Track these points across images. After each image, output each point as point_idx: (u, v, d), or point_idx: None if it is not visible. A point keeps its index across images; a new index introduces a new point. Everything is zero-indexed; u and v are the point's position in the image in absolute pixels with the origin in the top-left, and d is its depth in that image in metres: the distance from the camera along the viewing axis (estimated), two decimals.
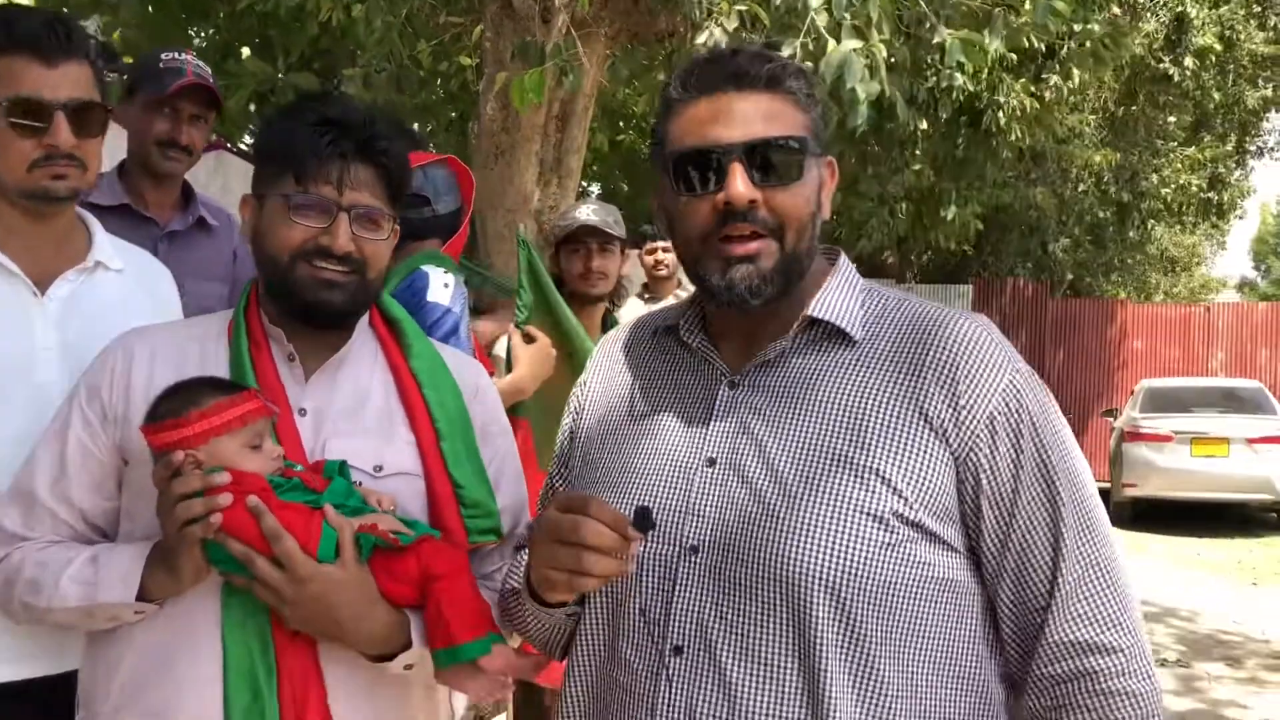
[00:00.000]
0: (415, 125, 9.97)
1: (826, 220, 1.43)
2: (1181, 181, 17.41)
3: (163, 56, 2.84)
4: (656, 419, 1.46)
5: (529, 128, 5.75)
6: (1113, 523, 1.40)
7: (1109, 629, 1.32)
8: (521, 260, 2.84)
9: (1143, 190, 16.75)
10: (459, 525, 1.64)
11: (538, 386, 2.83)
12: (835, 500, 1.29)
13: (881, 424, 1.32)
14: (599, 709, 1.42)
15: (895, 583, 1.28)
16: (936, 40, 5.03)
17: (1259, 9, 16.20)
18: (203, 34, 9.93)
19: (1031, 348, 16.32)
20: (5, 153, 1.83)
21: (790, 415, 1.35)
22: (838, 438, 1.32)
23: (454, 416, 1.70)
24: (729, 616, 1.31)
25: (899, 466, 1.30)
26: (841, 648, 1.27)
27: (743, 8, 4.78)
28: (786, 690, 1.28)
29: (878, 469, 1.30)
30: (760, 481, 1.33)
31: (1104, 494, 1.35)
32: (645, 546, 1.32)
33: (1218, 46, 14.94)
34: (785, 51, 4.61)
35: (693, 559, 1.34)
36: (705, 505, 1.35)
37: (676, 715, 1.31)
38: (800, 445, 1.33)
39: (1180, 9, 14.32)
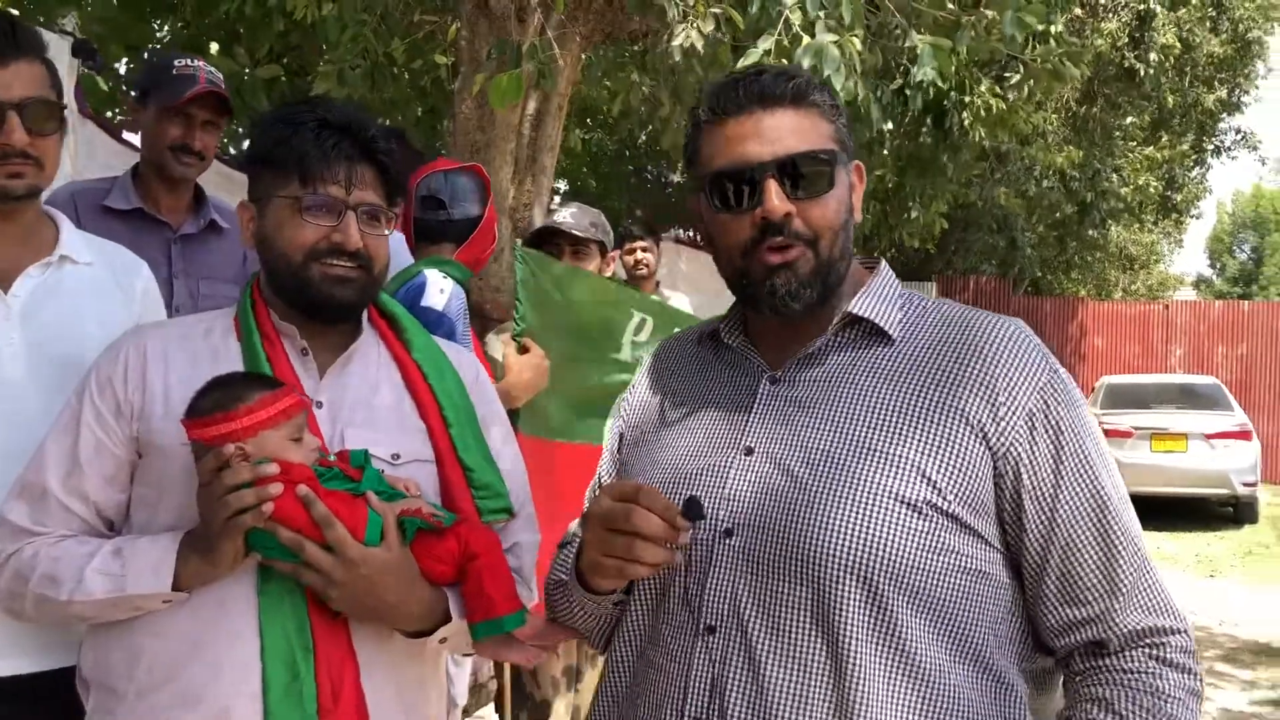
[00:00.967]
0: (385, 120, 9.94)
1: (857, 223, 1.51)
2: (1140, 181, 17.66)
3: (176, 63, 2.90)
4: (699, 413, 1.52)
5: (504, 126, 5.76)
6: None
7: (1168, 614, 1.38)
8: (520, 273, 2.86)
9: (1103, 189, 16.97)
10: (472, 507, 1.74)
11: (530, 397, 2.83)
12: (868, 485, 1.33)
13: (917, 419, 1.36)
14: (632, 691, 1.48)
15: (925, 568, 1.32)
16: (908, 44, 5.09)
17: (1213, 13, 16.49)
18: (168, 29, 9.84)
19: None
20: None
21: (828, 408, 1.41)
22: (873, 431, 1.37)
23: (459, 404, 1.80)
24: (760, 597, 1.35)
25: (934, 459, 1.34)
26: (868, 629, 1.31)
27: (717, 10, 4.83)
28: (813, 669, 1.32)
29: (912, 460, 1.34)
30: (796, 469, 1.38)
31: None
32: (695, 535, 1.38)
33: (1178, 46, 15.18)
34: (760, 48, 4.67)
35: (727, 541, 1.39)
36: (741, 490, 1.40)
37: (704, 692, 1.37)
38: (836, 436, 1.38)
39: (1144, 6, 14.53)
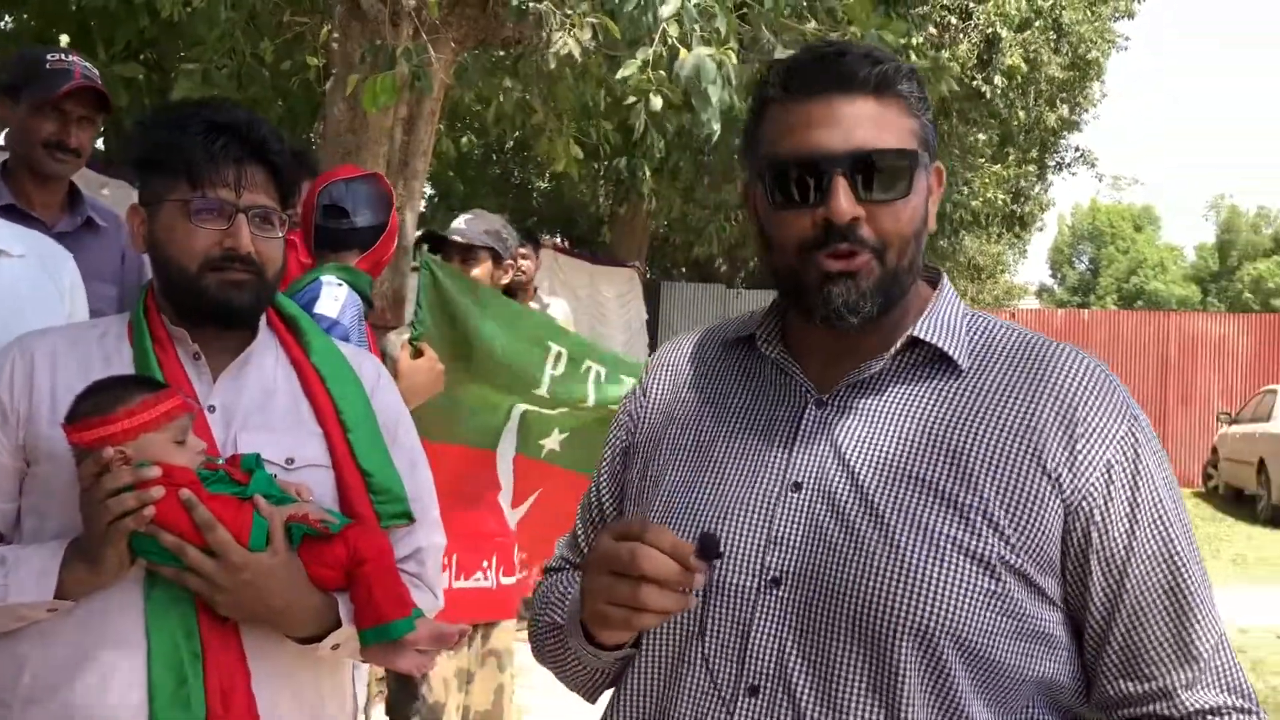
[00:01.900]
0: None
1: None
2: (988, 195, 18.44)
3: (48, 58, 2.81)
4: (733, 437, 1.33)
5: (376, 130, 5.72)
6: None
7: (1241, 695, 1.23)
8: (423, 279, 2.86)
9: (954, 201, 17.67)
10: (370, 512, 1.72)
11: (421, 401, 2.83)
12: (936, 538, 1.18)
13: (990, 462, 1.21)
14: None
15: (991, 630, 1.18)
16: (777, 57, 5.24)
17: (1054, 36, 17.37)
18: (12, 19, 9.40)
19: None
20: None
21: (887, 442, 1.24)
22: (940, 473, 1.21)
23: (358, 408, 1.78)
24: (812, 656, 1.20)
25: (1006, 509, 1.19)
26: (927, 696, 1.18)
27: (594, 20, 4.89)
28: None
29: (984, 509, 1.19)
30: (852, 511, 1.21)
31: None
32: (712, 577, 1.22)
33: (1024, 67, 15.94)
34: (639, 58, 4.75)
35: (774, 592, 1.22)
36: (790, 534, 1.23)
37: None
38: (898, 475, 1.22)
39: (991, 30, 15.21)
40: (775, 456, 1.28)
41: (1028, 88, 16.97)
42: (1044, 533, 1.20)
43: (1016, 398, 1.24)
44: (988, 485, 1.20)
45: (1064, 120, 19.26)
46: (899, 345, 1.28)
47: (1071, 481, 1.20)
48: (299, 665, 1.67)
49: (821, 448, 1.26)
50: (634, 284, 12.66)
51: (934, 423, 1.24)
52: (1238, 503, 15.06)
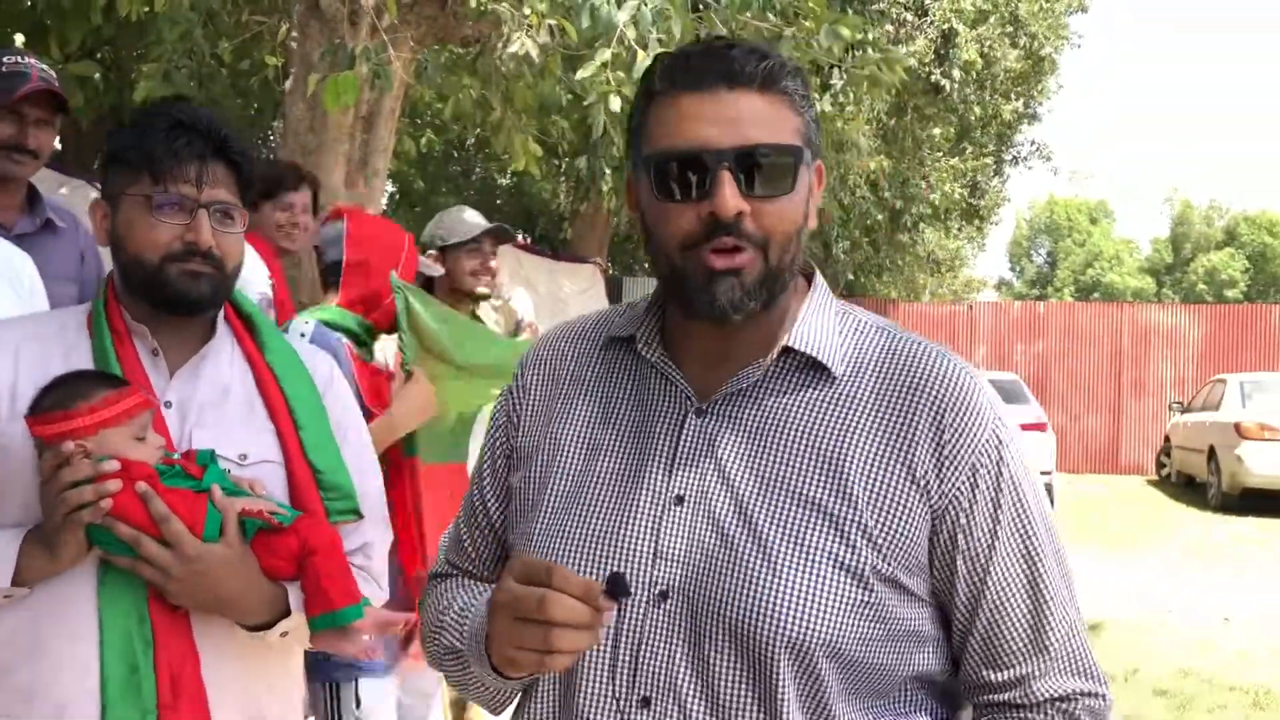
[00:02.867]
0: None
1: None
2: (946, 189, 18.64)
3: (4, 60, 2.83)
4: (616, 446, 1.33)
5: (336, 129, 5.75)
6: None
7: (1089, 679, 1.30)
8: (399, 305, 2.86)
9: (912, 195, 17.86)
10: (319, 507, 1.76)
11: (416, 425, 2.85)
12: (811, 553, 1.21)
13: (863, 472, 1.23)
14: None
15: (866, 640, 1.22)
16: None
17: (1011, 29, 17.59)
18: None
19: None
20: None
21: (765, 455, 1.26)
22: (816, 484, 1.24)
23: (310, 406, 1.82)
24: (699, 667, 1.22)
25: (878, 519, 1.22)
26: (804, 703, 1.22)
27: (552, 21, 4.96)
28: None
29: (858, 520, 1.22)
30: (732, 526, 1.23)
31: None
32: (597, 548, 1.27)
33: (980, 62, 16.15)
34: (598, 59, 4.81)
35: (663, 605, 1.24)
36: (675, 548, 1.25)
37: None
38: (775, 489, 1.24)
39: (948, 25, 15.40)
40: (658, 469, 1.29)
41: (984, 82, 17.19)
42: (913, 539, 1.23)
43: (889, 406, 1.26)
44: (862, 495, 1.23)
45: (1019, 113, 19.52)
46: (775, 354, 1.29)
47: (939, 487, 1.23)
48: (249, 653, 1.71)
49: (702, 461, 1.27)
50: (596, 280, 12.74)
51: (809, 434, 1.26)
52: (1190, 490, 15.34)
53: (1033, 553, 1.28)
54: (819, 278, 1.37)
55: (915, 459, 1.24)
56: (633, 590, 1.21)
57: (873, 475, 1.24)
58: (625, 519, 1.28)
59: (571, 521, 1.31)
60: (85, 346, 1.73)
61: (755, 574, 1.21)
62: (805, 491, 1.23)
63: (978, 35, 16.12)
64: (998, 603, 1.27)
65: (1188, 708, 5.83)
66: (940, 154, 18.94)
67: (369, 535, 1.88)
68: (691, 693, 1.22)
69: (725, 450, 1.27)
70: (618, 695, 1.25)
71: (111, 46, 8.84)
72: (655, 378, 1.34)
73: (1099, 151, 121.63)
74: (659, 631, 1.24)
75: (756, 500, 1.24)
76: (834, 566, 1.21)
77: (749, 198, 1.21)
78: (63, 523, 1.56)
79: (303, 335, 2.67)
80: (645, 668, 1.24)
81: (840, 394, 1.28)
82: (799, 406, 1.28)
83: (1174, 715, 5.73)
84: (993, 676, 1.29)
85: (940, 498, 1.24)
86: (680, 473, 1.28)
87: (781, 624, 1.20)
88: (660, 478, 1.28)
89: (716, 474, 1.26)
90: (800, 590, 1.20)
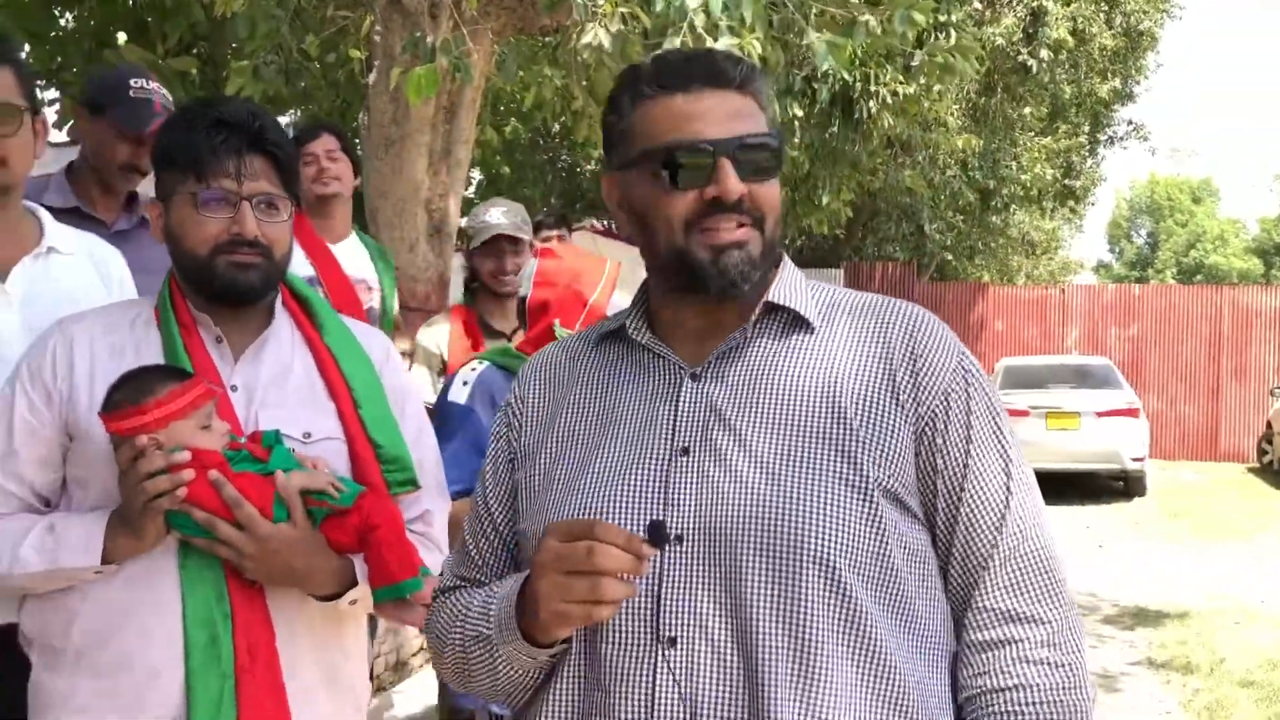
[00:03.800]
0: (298, 112, 9.94)
1: None
2: (1037, 170, 18.26)
3: (132, 83, 3.00)
4: (617, 419, 1.43)
5: (418, 120, 5.89)
6: None
7: (1037, 602, 1.35)
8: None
9: (1003, 176, 17.53)
10: (380, 480, 1.87)
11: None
12: (818, 474, 1.30)
13: (855, 397, 1.35)
14: (583, 716, 1.37)
15: (881, 554, 1.30)
16: (805, 41, 5.34)
17: (1106, 7, 17.14)
18: (73, 17, 9.70)
19: None
20: None
21: (761, 397, 1.36)
22: (815, 414, 1.34)
23: (368, 384, 1.93)
24: (724, 600, 1.29)
25: (875, 437, 1.33)
26: (834, 621, 1.28)
27: (625, 10, 5.02)
28: (783, 668, 1.27)
29: (859, 440, 1.32)
30: (739, 465, 1.32)
31: None
32: (604, 503, 1.35)
33: (1070, 40, 15.78)
34: (666, 46, 4.87)
35: (678, 549, 1.31)
36: (684, 495, 1.33)
37: (676, 705, 1.29)
38: (776, 425, 1.34)
39: (1037, 3, 15.07)
40: (660, 428, 1.38)
41: (1076, 60, 16.79)
42: (903, 456, 1.34)
43: (869, 341, 1.40)
44: (856, 417, 1.34)
45: (1116, 92, 19.02)
46: (757, 313, 1.41)
47: (915, 409, 1.36)
48: (320, 623, 1.85)
49: (702, 413, 1.37)
50: None
51: (798, 374, 1.38)
52: None
53: (1006, 471, 1.38)
54: (786, 258, 1.49)
55: (897, 382, 1.37)
56: (668, 541, 1.29)
57: (864, 397, 1.36)
58: (633, 476, 1.37)
59: (581, 492, 1.39)
60: (155, 338, 1.85)
61: (769, 501, 1.30)
62: (803, 422, 1.34)
63: (1070, 12, 15.75)
64: (971, 517, 1.36)
65: (1275, 700, 5.71)
66: (1032, 133, 18.56)
67: (427, 504, 1.98)
68: (719, 627, 1.29)
69: (722, 400, 1.38)
70: (643, 638, 1.32)
71: (207, 42, 9.14)
72: (649, 358, 1.45)
73: (1200, 127, 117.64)
74: (679, 574, 1.31)
75: (759, 439, 1.34)
76: (841, 483, 1.30)
77: (746, 181, 1.36)
78: (143, 510, 1.69)
79: (465, 383, 2.59)
80: (668, 610, 1.31)
81: (820, 338, 1.41)
82: (785, 353, 1.40)
83: (1260, 708, 5.62)
84: (967, 591, 1.37)
85: (918, 419, 1.36)
86: (682, 427, 1.37)
87: (804, 540, 1.28)
88: (665, 437, 1.38)
89: (718, 422, 1.36)
90: (814, 508, 1.29)
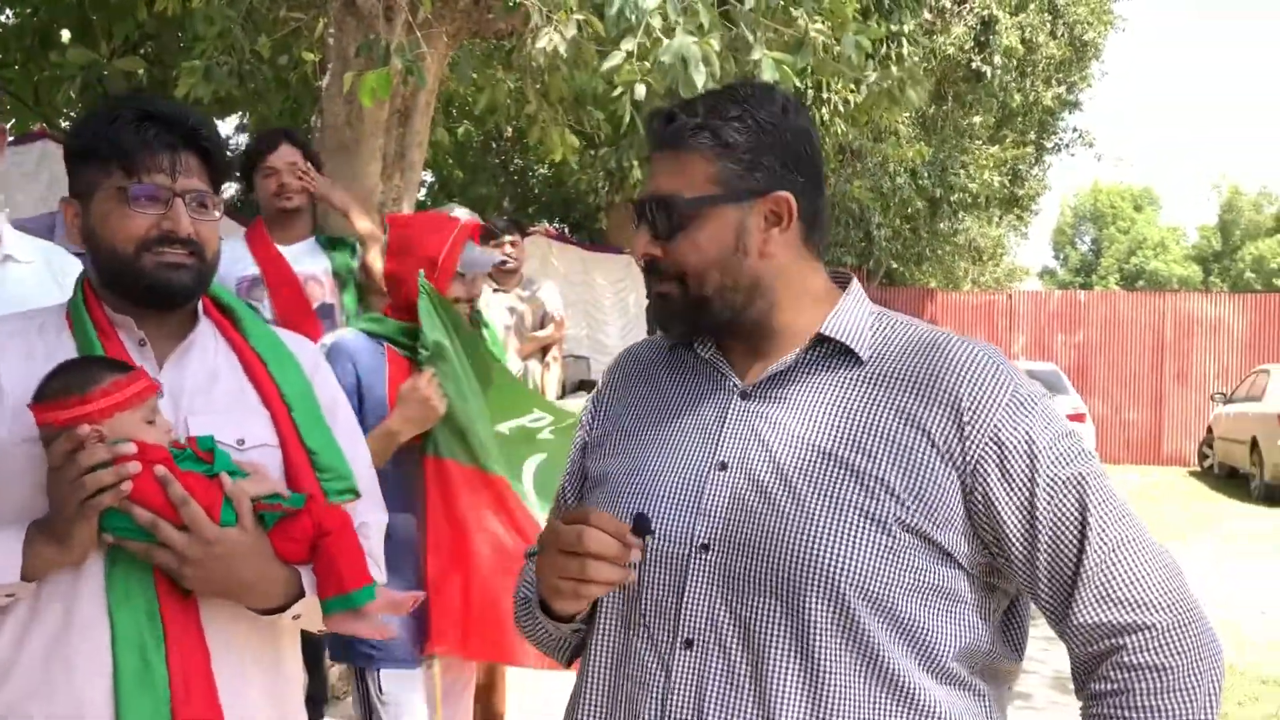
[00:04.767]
0: (248, 114, 9.82)
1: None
2: (985, 177, 18.51)
3: None
4: (671, 426, 1.52)
5: (372, 123, 5.83)
6: None
7: (1134, 609, 1.34)
8: (422, 305, 2.88)
9: (951, 184, 17.75)
10: (317, 489, 1.76)
11: (416, 432, 2.82)
12: (839, 502, 1.35)
13: (884, 436, 1.38)
14: (611, 705, 1.47)
15: (891, 582, 1.34)
16: (754, 57, 5.33)
17: (1050, 18, 17.43)
18: (14, 14, 9.51)
19: None
20: None
21: (799, 424, 1.42)
22: (843, 446, 1.39)
23: (300, 389, 1.83)
24: (738, 610, 1.37)
25: (900, 474, 1.36)
26: (841, 644, 1.34)
27: (580, 17, 5.00)
28: (788, 683, 1.34)
29: (881, 477, 1.36)
30: (769, 484, 1.39)
31: None
32: (647, 552, 1.42)
33: (1020, 49, 16.02)
34: (623, 48, 4.85)
35: (703, 556, 1.40)
36: (715, 506, 1.41)
37: (687, 705, 1.38)
38: (807, 451, 1.40)
39: (988, 11, 15.28)
40: (705, 441, 1.47)
41: (1025, 69, 17.05)
42: (938, 497, 1.35)
43: (908, 382, 1.41)
44: (882, 453, 1.37)
45: (1061, 99, 19.33)
46: (808, 342, 1.47)
47: (962, 452, 1.36)
48: (257, 640, 1.72)
49: (744, 433, 1.45)
50: (631, 270, 12.76)
51: (839, 405, 1.42)
52: (1232, 482, 15.19)
53: (1083, 494, 1.36)
54: (855, 282, 1.54)
55: (931, 426, 1.38)
56: (674, 540, 1.42)
57: (892, 437, 1.38)
58: (672, 484, 1.46)
59: (627, 488, 1.50)
60: (68, 343, 1.71)
61: (790, 520, 1.36)
62: (835, 451, 1.39)
63: (1019, 22, 15.99)
64: (1053, 544, 1.35)
65: (1222, 700, 5.81)
66: (980, 141, 18.81)
67: (365, 516, 1.87)
68: (731, 634, 1.37)
69: (764, 423, 1.45)
70: (660, 640, 1.42)
71: (154, 42, 9.00)
72: (709, 371, 1.54)
73: (1143, 137, 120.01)
74: (701, 579, 1.40)
75: (791, 462, 1.40)
76: (859, 514, 1.35)
77: (658, 241, 1.46)
78: (78, 509, 1.53)
79: (324, 345, 2.71)
80: (689, 612, 1.40)
81: (866, 374, 1.45)
82: (829, 385, 1.45)
83: None
84: (1065, 617, 1.37)
85: (965, 461, 1.36)
86: (725, 444, 1.46)
87: (810, 562, 1.34)
88: (708, 450, 1.46)
89: (757, 442, 1.44)
90: (829, 533, 1.34)
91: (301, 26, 6.31)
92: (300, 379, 1.85)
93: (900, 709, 1.34)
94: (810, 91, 10.76)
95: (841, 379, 1.45)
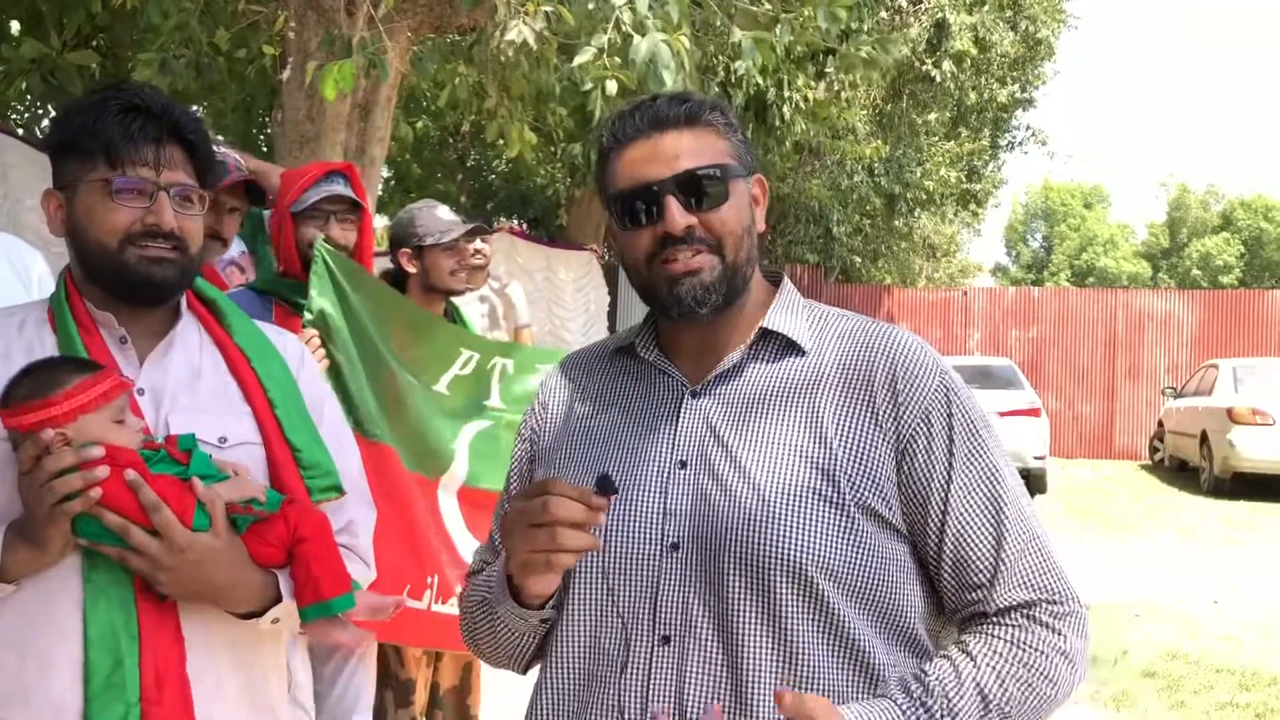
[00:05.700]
0: (202, 106, 9.68)
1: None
2: (941, 174, 18.67)
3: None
4: (623, 430, 1.55)
5: (333, 117, 5.78)
6: None
7: (1047, 591, 1.44)
8: (315, 270, 2.86)
9: (907, 181, 17.89)
10: (301, 486, 1.74)
11: None
12: (798, 489, 1.41)
13: (834, 418, 1.45)
14: (582, 704, 1.49)
15: (857, 561, 1.41)
16: (733, 40, 5.34)
17: (1009, 14, 17.59)
18: None
19: None
20: None
21: (752, 417, 1.48)
22: (796, 433, 1.45)
23: (284, 385, 1.80)
24: (711, 604, 1.42)
25: (850, 455, 1.43)
26: (810, 624, 1.40)
27: (548, 8, 4.98)
28: (765, 666, 1.40)
29: (834, 458, 1.43)
30: (730, 479, 1.44)
31: None
32: (621, 556, 1.46)
33: (974, 50, 16.16)
34: (593, 46, 4.85)
35: (675, 555, 1.44)
36: (681, 505, 1.46)
37: (668, 697, 1.42)
38: (763, 443, 1.45)
39: (940, 15, 15.40)
40: (662, 442, 1.51)
41: (980, 67, 17.20)
42: (881, 472, 1.44)
43: (852, 367, 1.50)
44: (834, 437, 1.45)
45: (1015, 97, 19.55)
46: (753, 338, 1.54)
47: (896, 428, 1.45)
48: (237, 643, 1.69)
49: (699, 430, 1.50)
50: (592, 267, 12.73)
51: (786, 395, 1.50)
52: (1182, 475, 15.43)
53: (993, 479, 1.46)
54: (787, 280, 1.62)
55: (876, 403, 1.46)
56: (645, 540, 1.45)
57: (842, 419, 1.46)
58: (636, 486, 1.49)
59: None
60: (49, 340, 1.69)
61: (751, 511, 1.42)
62: (788, 440, 1.46)
63: (973, 23, 16.13)
64: (961, 524, 1.45)
65: (1176, 689, 5.91)
66: (936, 138, 18.97)
67: (352, 513, 1.85)
68: (707, 627, 1.42)
69: (717, 418, 1.50)
70: (641, 635, 1.45)
71: (107, 34, 8.84)
72: (654, 374, 1.58)
73: (1094, 135, 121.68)
74: (673, 577, 1.44)
75: (748, 455, 1.46)
76: (816, 498, 1.42)
77: (695, 212, 1.47)
78: (49, 514, 1.51)
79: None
80: (663, 610, 1.44)
81: (809, 363, 1.52)
82: (776, 376, 1.52)
83: (1162, 696, 5.81)
84: (965, 596, 1.46)
85: (899, 437, 1.45)
86: (681, 442, 1.50)
87: (775, 547, 1.40)
88: (665, 450, 1.50)
89: (712, 439, 1.48)
90: (789, 519, 1.41)
91: (260, 20, 6.23)
92: (285, 375, 1.82)
93: (867, 682, 1.41)
94: (771, 90, 10.84)
95: (787, 369, 1.51)
